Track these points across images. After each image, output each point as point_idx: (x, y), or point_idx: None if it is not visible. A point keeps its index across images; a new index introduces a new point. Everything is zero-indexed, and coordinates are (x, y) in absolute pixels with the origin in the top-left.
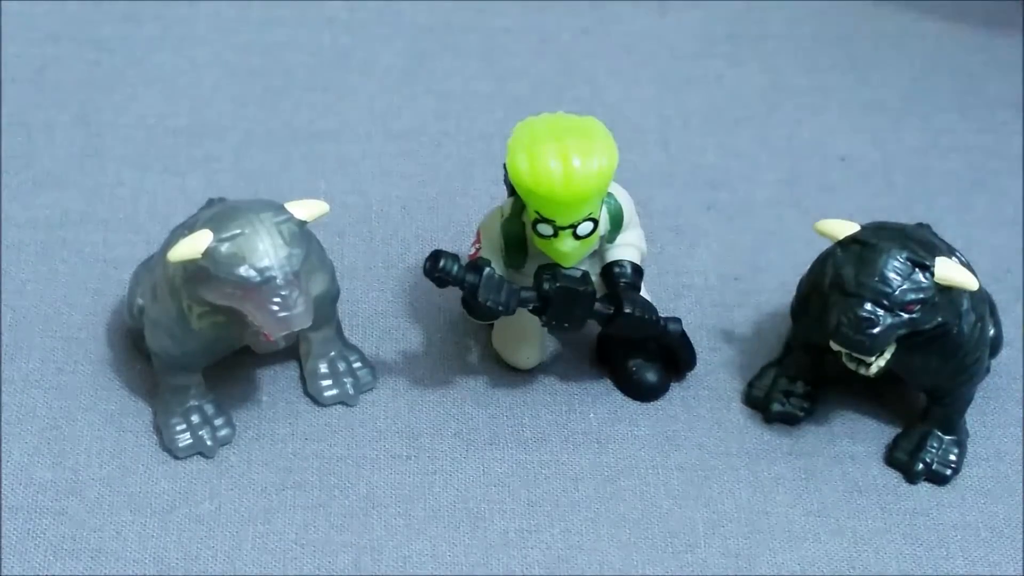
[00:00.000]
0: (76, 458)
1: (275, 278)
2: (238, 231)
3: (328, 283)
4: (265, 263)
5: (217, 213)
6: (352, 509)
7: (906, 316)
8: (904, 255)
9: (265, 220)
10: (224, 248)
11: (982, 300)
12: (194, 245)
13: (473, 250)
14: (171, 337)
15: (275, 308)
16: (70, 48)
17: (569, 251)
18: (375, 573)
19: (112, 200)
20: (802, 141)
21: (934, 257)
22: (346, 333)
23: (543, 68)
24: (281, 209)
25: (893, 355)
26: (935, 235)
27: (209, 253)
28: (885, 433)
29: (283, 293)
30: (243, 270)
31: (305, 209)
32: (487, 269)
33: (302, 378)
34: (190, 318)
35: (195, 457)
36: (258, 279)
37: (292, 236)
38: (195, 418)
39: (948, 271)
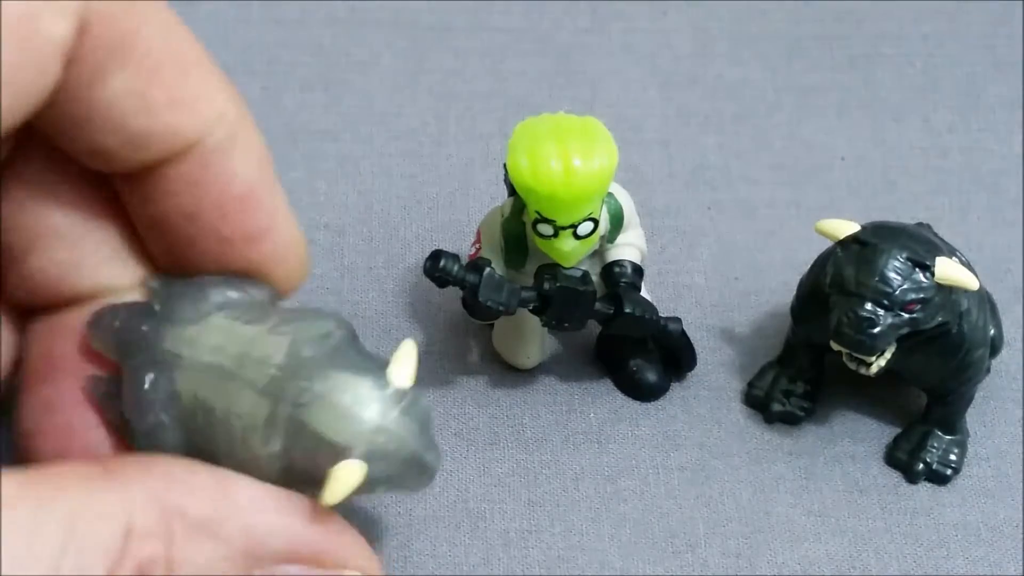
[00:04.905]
0: None
1: None
2: None
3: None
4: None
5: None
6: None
7: (906, 316)
8: (904, 255)
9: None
10: None
11: (982, 300)
12: None
13: (473, 250)
14: None
15: None
16: None
17: (569, 251)
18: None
19: None
20: (802, 141)
21: (934, 257)
22: None
23: (543, 68)
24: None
25: (893, 355)
26: (935, 235)
27: None
28: (885, 433)
29: None
30: None
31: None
32: (487, 269)
33: None
34: None
35: None
36: None
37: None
38: None
39: (948, 271)
